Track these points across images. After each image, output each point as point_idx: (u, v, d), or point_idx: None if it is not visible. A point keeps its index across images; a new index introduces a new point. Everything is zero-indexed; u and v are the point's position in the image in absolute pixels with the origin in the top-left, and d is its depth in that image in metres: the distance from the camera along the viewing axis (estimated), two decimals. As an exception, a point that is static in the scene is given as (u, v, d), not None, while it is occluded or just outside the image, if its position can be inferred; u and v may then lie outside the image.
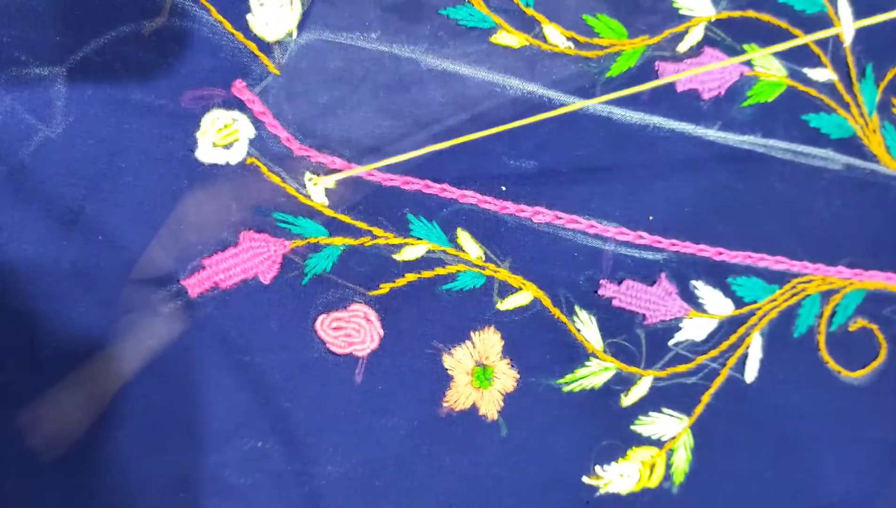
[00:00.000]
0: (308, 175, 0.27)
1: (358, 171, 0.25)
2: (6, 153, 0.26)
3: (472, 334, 0.29)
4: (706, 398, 0.31)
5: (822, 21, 0.32)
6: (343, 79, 0.28)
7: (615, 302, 0.30)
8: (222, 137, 0.27)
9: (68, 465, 0.27)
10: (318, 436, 0.28)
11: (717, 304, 0.31)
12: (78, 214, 0.27)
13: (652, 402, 0.31)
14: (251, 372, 0.28)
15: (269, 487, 0.28)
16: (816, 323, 0.32)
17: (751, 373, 0.31)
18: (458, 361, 0.29)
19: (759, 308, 0.31)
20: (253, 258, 0.27)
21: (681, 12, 0.30)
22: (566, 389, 0.30)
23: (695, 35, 0.30)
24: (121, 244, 0.27)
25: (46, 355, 0.27)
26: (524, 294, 0.29)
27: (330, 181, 0.27)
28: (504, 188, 0.29)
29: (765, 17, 0.31)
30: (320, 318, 0.28)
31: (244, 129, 0.27)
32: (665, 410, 0.31)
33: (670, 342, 0.31)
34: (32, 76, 0.26)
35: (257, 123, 0.27)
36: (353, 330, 0.28)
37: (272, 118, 0.27)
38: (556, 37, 0.29)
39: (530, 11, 0.29)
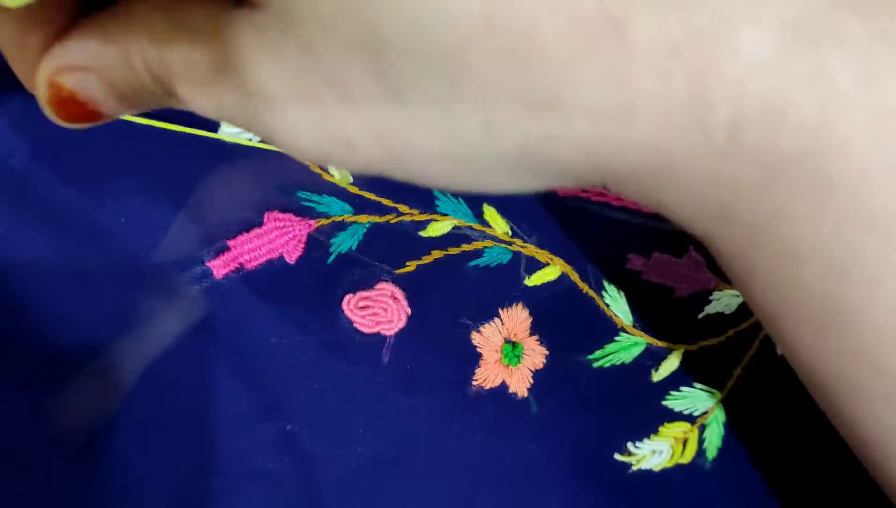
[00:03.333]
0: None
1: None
2: (30, 135, 0.26)
3: (500, 310, 0.28)
4: (737, 371, 0.31)
5: None
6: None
7: (644, 276, 0.30)
8: (244, 115, 0.26)
9: (92, 453, 0.27)
10: (347, 418, 0.28)
11: (748, 275, 0.30)
12: (101, 196, 0.26)
13: (683, 377, 0.31)
14: (278, 354, 0.27)
15: (298, 470, 0.28)
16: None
17: (782, 345, 0.31)
18: (486, 338, 0.28)
19: (789, 279, 0.31)
20: (278, 238, 0.27)
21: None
22: (596, 365, 0.29)
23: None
24: (143, 226, 0.26)
25: (69, 342, 0.26)
26: (552, 270, 0.29)
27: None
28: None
29: None
30: (347, 297, 0.27)
31: (266, 106, 0.26)
32: (696, 385, 0.30)
33: (700, 315, 0.30)
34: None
35: (279, 100, 0.27)
36: (380, 309, 0.28)
37: (294, 95, 0.27)
38: None
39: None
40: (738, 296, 0.30)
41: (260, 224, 0.27)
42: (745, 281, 0.18)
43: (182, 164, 0.26)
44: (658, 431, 0.30)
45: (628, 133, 0.16)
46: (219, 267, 0.27)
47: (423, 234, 0.28)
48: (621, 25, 0.15)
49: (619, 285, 0.29)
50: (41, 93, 0.20)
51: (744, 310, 0.31)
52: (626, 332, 0.30)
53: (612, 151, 0.16)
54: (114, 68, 0.19)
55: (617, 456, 0.30)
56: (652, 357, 0.30)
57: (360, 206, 0.27)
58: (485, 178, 0.17)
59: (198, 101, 0.18)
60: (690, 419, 0.30)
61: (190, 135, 0.26)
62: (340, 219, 0.27)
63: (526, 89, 0.15)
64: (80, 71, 0.19)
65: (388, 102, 0.16)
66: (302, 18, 0.15)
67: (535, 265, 0.29)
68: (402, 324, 0.28)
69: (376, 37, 0.15)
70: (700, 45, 0.15)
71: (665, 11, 0.14)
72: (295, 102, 0.17)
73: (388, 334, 0.28)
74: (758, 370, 0.31)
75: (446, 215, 0.28)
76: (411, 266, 0.28)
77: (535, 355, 0.29)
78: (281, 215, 0.27)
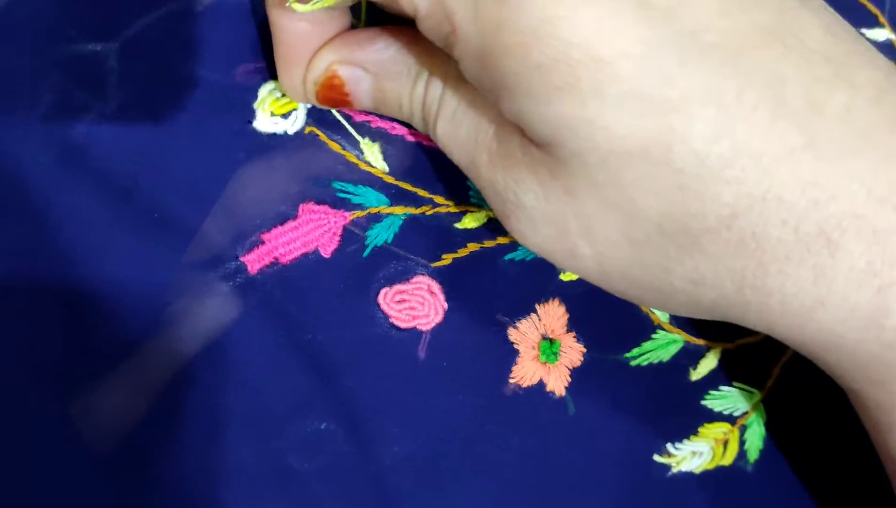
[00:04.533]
0: (365, 140, 0.27)
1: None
2: (60, 131, 0.26)
3: (536, 306, 0.28)
4: (777, 370, 0.30)
5: (875, -18, 0.31)
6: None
7: (681, 271, 0.29)
8: (280, 105, 0.26)
9: (122, 456, 0.26)
10: (382, 416, 0.27)
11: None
12: (132, 191, 0.26)
13: (721, 376, 0.30)
14: (312, 351, 0.27)
15: (332, 470, 0.27)
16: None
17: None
18: (523, 334, 0.28)
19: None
20: (313, 231, 0.26)
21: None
22: (634, 363, 0.29)
23: None
24: (177, 221, 0.26)
25: (99, 341, 0.26)
26: (588, 265, 0.28)
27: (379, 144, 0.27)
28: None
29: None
30: (383, 291, 0.27)
31: (302, 98, 0.26)
32: (736, 384, 0.30)
33: (738, 312, 0.30)
34: (85, 53, 0.26)
35: (314, 92, 0.27)
36: (416, 303, 0.27)
37: (329, 87, 0.26)
38: None
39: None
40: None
41: (294, 217, 0.26)
42: (884, 433, 0.22)
43: (214, 157, 0.26)
44: (698, 432, 0.29)
45: (811, 320, 0.20)
46: (253, 262, 0.26)
47: (458, 226, 0.27)
48: (834, 246, 0.19)
49: (656, 281, 0.29)
50: (315, 74, 0.24)
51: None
52: (664, 329, 0.29)
53: (792, 326, 0.20)
54: (392, 83, 0.24)
55: (656, 458, 0.29)
56: (689, 356, 0.30)
57: (395, 197, 0.27)
58: (668, 306, 0.22)
59: (454, 154, 0.24)
60: (731, 419, 0.30)
61: (222, 126, 0.26)
62: (376, 211, 0.27)
63: (739, 270, 0.19)
64: (360, 69, 0.23)
65: (622, 248, 0.20)
66: (573, 173, 0.19)
67: (571, 260, 0.28)
68: (438, 319, 0.27)
69: (635, 209, 0.19)
70: (894, 270, 0.19)
71: (872, 242, 0.19)
72: (540, 219, 0.21)
73: (424, 329, 0.27)
74: (797, 369, 0.30)
75: (480, 206, 0.27)
76: (447, 259, 0.27)
77: (573, 352, 0.28)
78: (316, 208, 0.26)
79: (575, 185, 0.20)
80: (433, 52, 0.23)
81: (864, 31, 0.31)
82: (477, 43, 0.19)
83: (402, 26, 0.24)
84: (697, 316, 0.22)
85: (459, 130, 0.23)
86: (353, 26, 0.25)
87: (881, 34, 0.31)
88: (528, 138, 0.21)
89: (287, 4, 0.21)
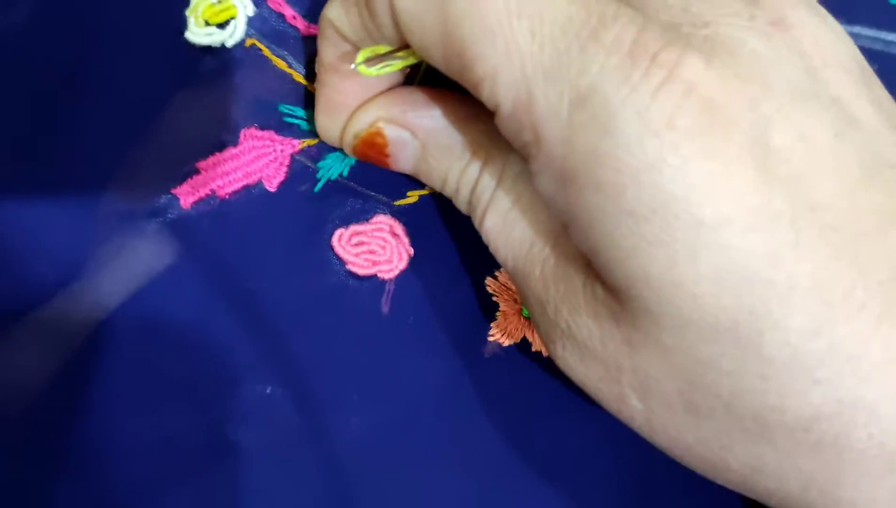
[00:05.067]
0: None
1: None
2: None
3: (519, 252, 0.24)
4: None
5: None
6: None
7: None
8: (216, 13, 0.23)
9: (36, 419, 0.22)
10: (338, 381, 0.23)
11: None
12: (48, 115, 0.22)
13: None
14: (255, 302, 0.23)
15: (279, 445, 0.23)
16: None
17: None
18: (503, 285, 0.24)
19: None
20: (256, 161, 0.23)
21: None
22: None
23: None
24: (99, 149, 0.22)
25: (7, 288, 0.22)
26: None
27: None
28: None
29: None
30: (337, 233, 0.23)
31: (241, 4, 0.23)
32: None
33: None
34: (-8, -46, 0.23)
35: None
36: (377, 247, 0.23)
37: (275, -6, 0.23)
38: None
39: None
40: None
41: (235, 144, 0.23)
42: None
43: (139, 73, 0.23)
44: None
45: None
46: (186, 194, 0.23)
47: (427, 158, 0.24)
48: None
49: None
50: (358, 127, 0.21)
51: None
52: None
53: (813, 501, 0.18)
54: (441, 157, 0.22)
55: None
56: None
57: (352, 123, 0.23)
58: (718, 479, 0.20)
59: (500, 254, 0.21)
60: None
61: (149, 37, 0.23)
62: (329, 138, 0.23)
63: (808, 472, 0.18)
64: (408, 133, 0.21)
65: (678, 414, 0.19)
66: (640, 328, 0.18)
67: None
68: (403, 266, 0.23)
69: (703, 383, 0.18)
70: None
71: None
72: (590, 356, 0.19)
73: (386, 278, 0.23)
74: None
75: (454, 135, 0.24)
76: (413, 197, 0.24)
77: (562, 308, 0.24)
78: (259, 133, 0.23)
79: (639, 340, 0.18)
80: (494, 137, 0.21)
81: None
82: (562, 165, 0.17)
83: (464, 96, 0.21)
84: (749, 496, 0.20)
85: (512, 232, 0.21)
86: (410, 77, 0.22)
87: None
88: (593, 274, 0.19)
89: (353, 66, 0.20)
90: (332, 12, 0.20)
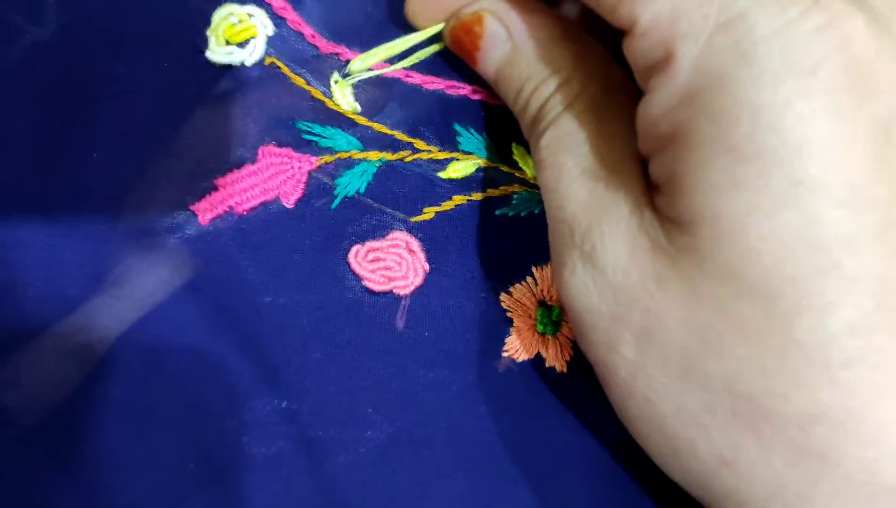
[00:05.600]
0: (335, 76, 0.23)
1: (387, 68, 0.21)
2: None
3: (533, 269, 0.24)
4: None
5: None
6: (376, -26, 0.24)
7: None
8: (236, 33, 0.23)
9: (55, 431, 0.22)
10: (353, 395, 0.23)
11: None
12: (70, 128, 0.23)
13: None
14: (273, 316, 0.23)
15: (295, 456, 0.23)
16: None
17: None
18: (517, 301, 0.24)
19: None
20: (274, 177, 0.23)
21: None
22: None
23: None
24: (120, 163, 0.23)
25: (28, 301, 0.23)
26: (592, 224, 0.25)
27: (355, 79, 0.23)
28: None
29: None
30: (354, 249, 0.23)
31: (261, 25, 0.23)
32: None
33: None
34: (19, -25, 0.23)
35: (277, 19, 0.23)
36: (393, 263, 0.23)
37: (294, 13, 0.23)
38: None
39: None
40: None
41: (253, 161, 0.23)
42: None
43: (162, 91, 0.23)
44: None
45: None
46: (204, 211, 0.23)
47: (442, 175, 0.24)
48: None
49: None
50: (463, 10, 0.22)
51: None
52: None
53: None
54: (527, 65, 0.21)
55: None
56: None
57: (370, 140, 0.24)
58: (667, 465, 0.19)
59: (545, 172, 0.21)
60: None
61: (171, 56, 0.23)
62: (347, 155, 0.23)
63: (784, 482, 0.17)
64: (506, 31, 0.21)
65: (670, 377, 0.18)
66: (680, 269, 0.17)
67: (573, 217, 0.25)
68: (418, 282, 0.24)
69: (716, 345, 0.17)
70: None
71: None
72: (602, 287, 0.19)
73: (402, 293, 0.24)
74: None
75: (470, 153, 0.24)
76: (429, 213, 0.24)
77: (575, 324, 0.24)
78: (277, 150, 0.23)
79: (671, 279, 0.17)
80: (581, 63, 0.21)
81: None
82: (686, 87, 0.17)
83: (569, 17, 0.21)
84: (700, 498, 0.19)
85: (566, 155, 0.20)
86: None
87: None
88: (646, 202, 0.18)
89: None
90: None
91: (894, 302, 0.16)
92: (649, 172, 0.18)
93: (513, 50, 0.21)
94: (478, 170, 0.24)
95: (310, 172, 0.23)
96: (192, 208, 0.23)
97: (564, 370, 0.24)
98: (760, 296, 0.16)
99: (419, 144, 0.24)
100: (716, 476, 0.18)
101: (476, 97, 0.24)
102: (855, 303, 0.16)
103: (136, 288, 0.23)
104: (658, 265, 0.18)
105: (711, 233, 0.16)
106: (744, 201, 0.16)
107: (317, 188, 0.23)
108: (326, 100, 0.23)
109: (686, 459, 0.18)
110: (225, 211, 0.23)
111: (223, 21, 0.23)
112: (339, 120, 0.23)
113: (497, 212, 0.24)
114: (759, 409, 0.17)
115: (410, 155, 0.24)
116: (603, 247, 0.19)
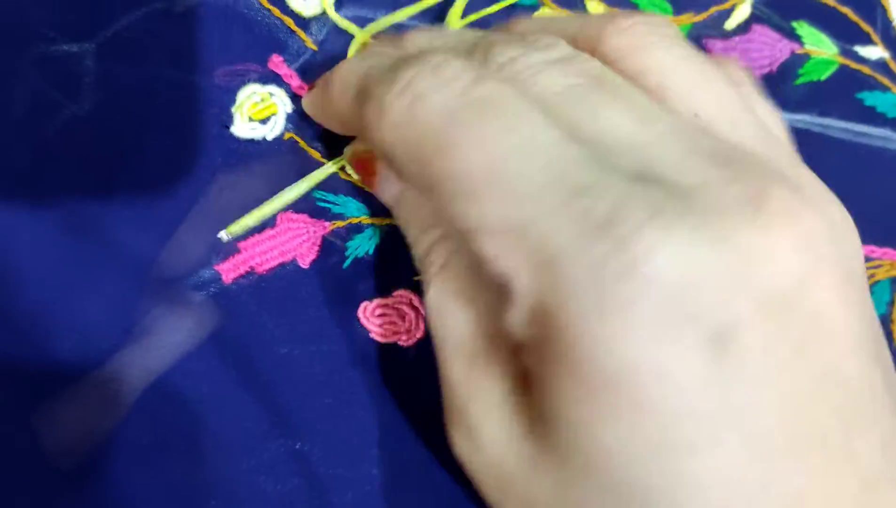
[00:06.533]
0: (347, 150, 0.26)
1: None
2: (32, 131, 0.25)
3: (524, 323, 0.27)
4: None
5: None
6: (383, 55, 0.27)
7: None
8: (259, 110, 0.25)
9: (88, 473, 0.24)
10: (362, 436, 0.26)
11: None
12: (105, 195, 0.25)
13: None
14: (289, 365, 0.26)
15: (307, 493, 0.25)
16: (889, 311, 0.30)
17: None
18: (510, 352, 0.27)
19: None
20: (291, 241, 0.25)
21: (726, -9, 0.30)
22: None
23: (742, 12, 0.29)
24: (150, 227, 0.25)
25: (65, 353, 0.25)
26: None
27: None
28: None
29: (811, -4, 0.30)
30: (363, 305, 0.26)
31: (282, 103, 0.25)
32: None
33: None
34: (61, 53, 0.25)
35: (295, 98, 0.26)
36: (397, 317, 0.26)
37: (311, 93, 0.26)
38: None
39: (574, -12, 0.28)
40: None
41: (272, 226, 0.25)
42: None
43: (190, 162, 0.25)
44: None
45: None
46: (228, 271, 0.25)
47: (443, 238, 0.26)
48: None
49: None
50: (357, 145, 0.24)
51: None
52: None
53: None
54: (412, 208, 0.22)
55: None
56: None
57: (377, 207, 0.26)
58: None
59: (435, 330, 0.21)
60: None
61: (199, 130, 0.25)
62: (357, 221, 0.26)
63: None
64: (393, 175, 0.22)
65: None
66: (552, 458, 0.18)
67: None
68: (419, 334, 0.26)
69: None
70: None
71: None
72: (485, 459, 0.19)
73: (406, 344, 0.26)
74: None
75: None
76: (431, 273, 0.26)
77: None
78: (295, 216, 0.25)
79: (544, 465, 0.18)
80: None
81: (857, 48, 0.30)
82: (531, 308, 0.18)
83: None
84: None
85: (450, 316, 0.21)
86: None
87: (874, 52, 0.30)
88: (522, 388, 0.19)
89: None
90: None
91: None
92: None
93: (401, 193, 0.23)
94: (475, 234, 0.27)
95: (323, 236, 0.26)
96: (216, 268, 0.25)
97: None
98: (616, 494, 0.17)
99: (422, 210, 0.26)
100: None
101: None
102: (704, 504, 0.16)
103: (166, 340, 0.25)
104: (532, 450, 0.18)
105: (568, 435, 0.17)
106: (592, 412, 0.17)
107: (330, 251, 0.26)
108: (340, 171, 0.26)
109: None
110: (247, 271, 0.25)
111: (247, 99, 0.25)
112: (351, 189, 0.26)
113: (492, 271, 0.27)
114: None
115: (414, 220, 0.26)
116: (479, 427, 0.19)
